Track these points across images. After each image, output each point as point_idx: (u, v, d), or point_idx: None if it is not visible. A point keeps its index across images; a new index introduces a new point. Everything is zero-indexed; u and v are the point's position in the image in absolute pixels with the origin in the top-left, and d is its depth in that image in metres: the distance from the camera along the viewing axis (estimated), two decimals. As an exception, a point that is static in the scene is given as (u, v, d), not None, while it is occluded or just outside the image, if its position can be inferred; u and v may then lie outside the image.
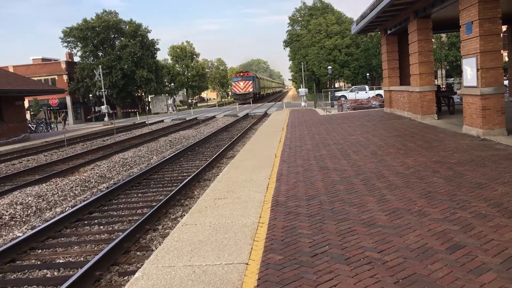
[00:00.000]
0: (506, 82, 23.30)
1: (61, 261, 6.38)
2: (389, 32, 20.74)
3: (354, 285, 3.63)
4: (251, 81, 68.97)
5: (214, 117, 36.67)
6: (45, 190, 11.26)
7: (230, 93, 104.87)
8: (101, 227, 7.97)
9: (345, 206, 5.90)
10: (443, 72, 62.01)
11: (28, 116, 45.26)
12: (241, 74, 73.26)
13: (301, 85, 65.19)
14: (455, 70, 56.09)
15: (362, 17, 19.90)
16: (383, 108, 23.89)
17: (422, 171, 7.66)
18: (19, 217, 9.14)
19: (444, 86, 30.34)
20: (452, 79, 55.72)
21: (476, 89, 11.30)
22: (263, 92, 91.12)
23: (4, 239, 7.71)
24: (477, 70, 11.18)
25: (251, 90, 68.66)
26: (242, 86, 69.21)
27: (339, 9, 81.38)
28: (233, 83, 71.92)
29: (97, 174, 13.27)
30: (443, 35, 52.21)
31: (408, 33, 17.03)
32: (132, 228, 6.99)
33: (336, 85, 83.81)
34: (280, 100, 79.52)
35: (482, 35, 10.90)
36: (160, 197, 9.67)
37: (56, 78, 61.95)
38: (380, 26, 21.54)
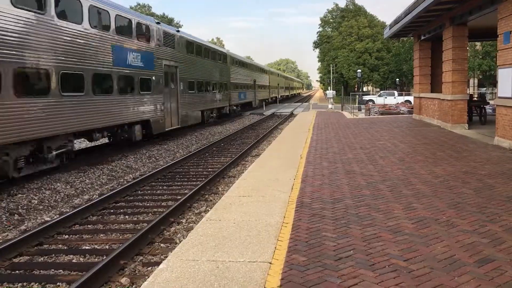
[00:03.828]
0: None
1: (87, 247, 6.51)
2: (422, 38, 20.40)
3: (378, 292, 3.59)
4: None
5: (240, 114, 36.75)
6: (74, 177, 11.49)
7: None
8: (126, 216, 8.09)
9: (371, 212, 5.85)
10: (476, 81, 60.69)
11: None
12: None
13: (329, 87, 64.76)
14: (488, 80, 54.86)
15: (396, 21, 19.62)
16: (412, 115, 23.52)
17: (451, 181, 7.52)
18: (47, 202, 9.36)
19: (476, 96, 29.65)
20: (485, 88, 54.45)
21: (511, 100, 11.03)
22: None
23: (32, 223, 7.92)
24: (513, 81, 10.91)
25: None
26: None
27: (371, 12, 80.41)
28: None
29: (124, 165, 13.49)
30: (478, 43, 51.05)
31: (442, 40, 16.72)
32: (157, 220, 7.08)
33: (364, 89, 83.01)
34: (306, 101, 74.38)
35: (521, 46, 10.64)
36: (185, 191, 9.76)
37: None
38: (413, 32, 21.21)
